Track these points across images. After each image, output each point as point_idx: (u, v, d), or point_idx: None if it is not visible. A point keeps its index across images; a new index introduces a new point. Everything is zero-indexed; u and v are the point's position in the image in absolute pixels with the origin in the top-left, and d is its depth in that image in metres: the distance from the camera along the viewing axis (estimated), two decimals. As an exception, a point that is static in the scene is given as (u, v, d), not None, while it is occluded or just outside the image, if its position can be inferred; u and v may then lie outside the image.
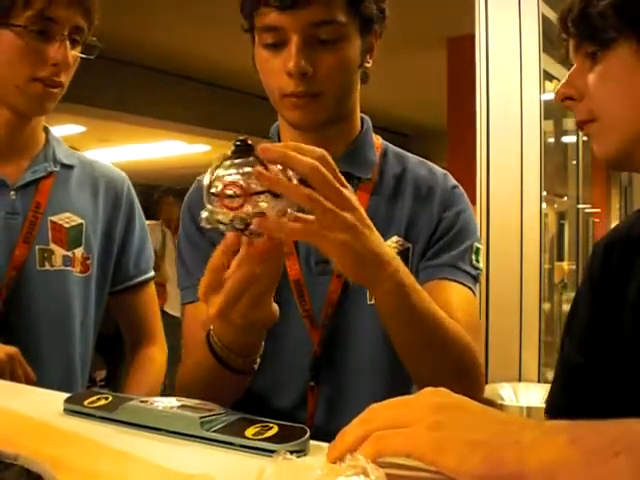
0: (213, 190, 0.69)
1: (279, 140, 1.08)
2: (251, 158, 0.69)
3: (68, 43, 1.14)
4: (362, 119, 1.10)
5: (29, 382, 1.03)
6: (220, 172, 0.69)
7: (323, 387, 1.00)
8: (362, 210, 0.74)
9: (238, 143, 0.69)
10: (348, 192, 0.73)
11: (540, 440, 0.48)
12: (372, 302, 0.99)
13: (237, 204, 0.68)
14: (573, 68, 0.78)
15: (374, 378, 1.01)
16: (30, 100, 1.16)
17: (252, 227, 0.69)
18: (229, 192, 0.67)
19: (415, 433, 0.52)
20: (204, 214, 0.70)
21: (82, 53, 1.20)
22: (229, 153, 0.70)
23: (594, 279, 0.86)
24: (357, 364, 1.01)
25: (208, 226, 0.71)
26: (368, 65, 1.03)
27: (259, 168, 0.67)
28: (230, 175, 0.68)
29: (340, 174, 0.73)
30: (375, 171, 1.06)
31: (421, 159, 1.12)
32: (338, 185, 0.71)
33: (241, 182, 0.67)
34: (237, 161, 0.69)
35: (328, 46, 0.94)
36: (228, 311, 0.74)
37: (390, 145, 1.12)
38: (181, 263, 1.07)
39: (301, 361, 1.00)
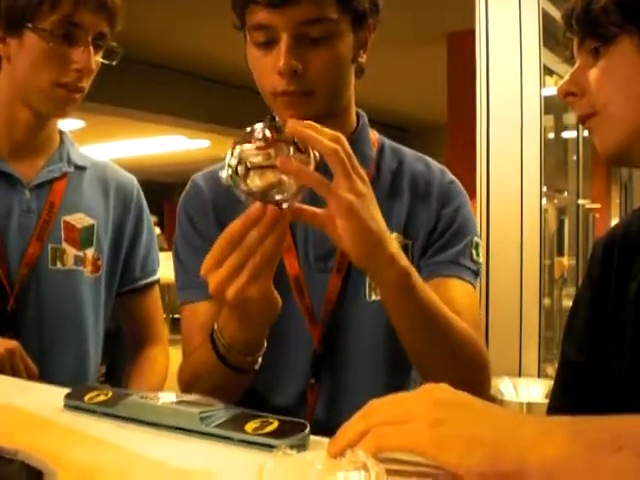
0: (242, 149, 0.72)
1: None
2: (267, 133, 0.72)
3: (92, 49, 1.15)
4: (358, 114, 1.09)
5: (31, 376, 1.03)
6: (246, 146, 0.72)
7: (323, 383, 1.00)
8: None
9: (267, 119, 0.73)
10: (363, 172, 0.77)
11: (541, 436, 0.48)
12: (371, 299, 0.99)
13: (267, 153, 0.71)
14: (576, 65, 0.78)
15: (373, 374, 1.01)
16: (53, 104, 1.18)
17: (277, 165, 0.71)
18: (259, 142, 0.72)
19: (416, 429, 0.52)
20: (228, 171, 0.72)
21: (103, 58, 1.21)
22: (251, 129, 0.73)
23: (593, 279, 0.86)
24: (357, 360, 1.01)
25: (228, 183, 0.72)
26: (362, 60, 1.01)
27: (286, 156, 0.71)
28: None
29: (354, 156, 0.76)
30: (372, 167, 1.05)
31: (418, 154, 1.11)
32: (356, 163, 0.75)
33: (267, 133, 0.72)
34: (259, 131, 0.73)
35: (319, 43, 0.93)
36: (227, 284, 0.74)
37: (386, 140, 1.11)
38: (178, 263, 1.07)
39: (301, 358, 1.00)
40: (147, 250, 1.39)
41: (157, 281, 1.42)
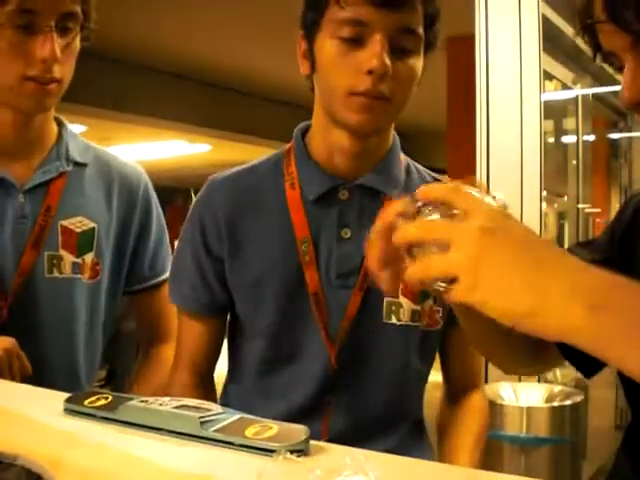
0: None
1: (304, 144, 1.04)
2: None
3: (55, 35, 1.06)
4: (392, 134, 1.09)
5: (25, 374, 1.01)
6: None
7: (338, 399, 1.01)
8: None
9: None
10: None
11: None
12: (387, 321, 1.00)
13: None
14: (629, 67, 0.69)
15: (387, 391, 1.02)
16: (27, 100, 1.10)
17: None
18: None
19: (457, 259, 0.58)
20: None
21: (82, 40, 1.12)
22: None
23: (615, 230, 0.85)
24: (371, 377, 1.02)
25: None
26: (414, 90, 0.99)
27: None
28: None
29: None
30: (400, 188, 1.04)
31: (432, 173, 1.11)
32: None
33: None
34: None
35: (404, 56, 0.93)
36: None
37: (410, 160, 1.11)
38: (176, 264, 1.08)
39: (317, 373, 1.00)
40: (156, 248, 1.30)
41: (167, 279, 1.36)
